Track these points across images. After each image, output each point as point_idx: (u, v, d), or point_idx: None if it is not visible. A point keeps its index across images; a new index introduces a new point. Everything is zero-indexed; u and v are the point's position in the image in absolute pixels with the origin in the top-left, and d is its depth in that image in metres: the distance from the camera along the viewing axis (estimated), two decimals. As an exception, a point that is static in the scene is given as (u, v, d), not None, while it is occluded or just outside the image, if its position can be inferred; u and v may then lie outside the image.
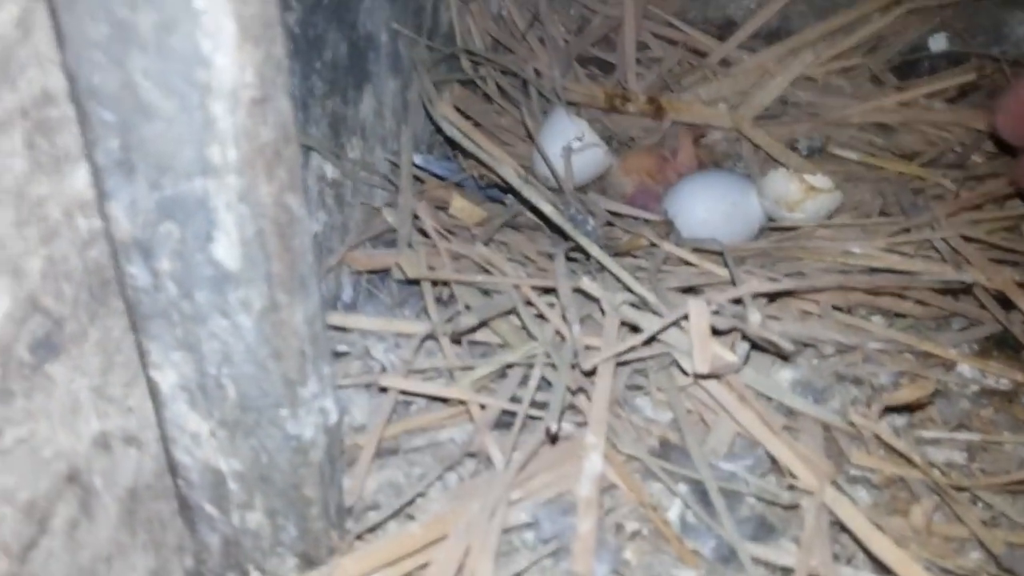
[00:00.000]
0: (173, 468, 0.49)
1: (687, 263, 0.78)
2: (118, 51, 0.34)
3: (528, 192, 0.71)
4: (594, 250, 0.68)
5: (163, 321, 0.42)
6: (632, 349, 0.62)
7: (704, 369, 0.58)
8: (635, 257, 0.86)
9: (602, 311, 0.66)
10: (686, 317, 0.62)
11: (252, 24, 0.34)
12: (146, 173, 0.37)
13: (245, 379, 0.43)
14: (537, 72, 1.10)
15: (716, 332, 0.61)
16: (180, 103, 0.35)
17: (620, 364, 0.65)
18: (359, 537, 0.53)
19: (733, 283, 0.71)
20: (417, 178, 0.88)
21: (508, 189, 0.75)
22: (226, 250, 0.39)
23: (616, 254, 0.85)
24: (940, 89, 1.08)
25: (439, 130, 0.88)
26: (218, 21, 0.33)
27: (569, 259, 0.78)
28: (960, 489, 0.59)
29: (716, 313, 0.62)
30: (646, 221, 0.94)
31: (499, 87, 1.11)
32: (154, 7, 0.33)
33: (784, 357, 0.68)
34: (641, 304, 0.66)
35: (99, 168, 0.38)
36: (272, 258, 0.39)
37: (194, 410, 0.45)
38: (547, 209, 0.70)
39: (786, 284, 0.73)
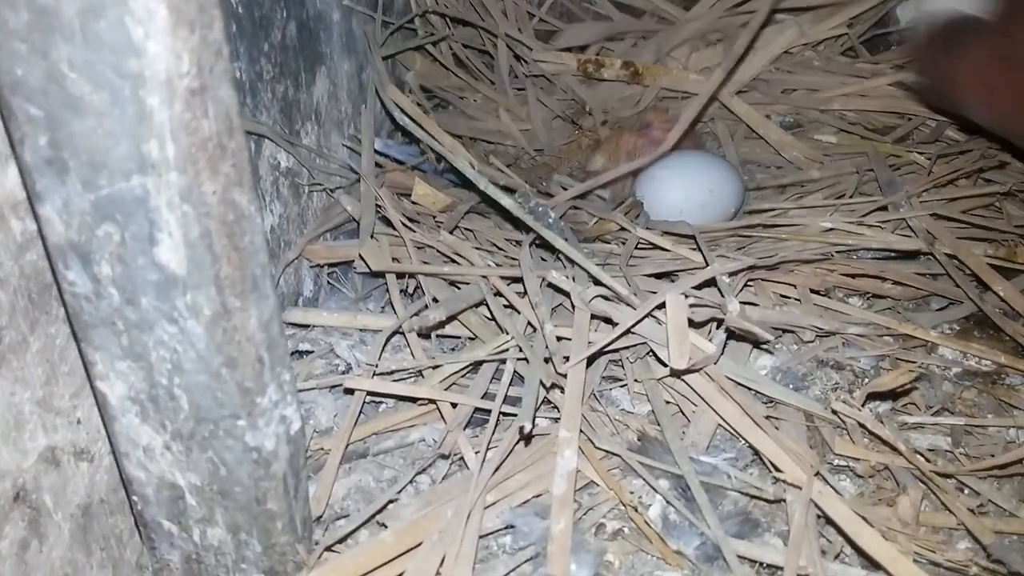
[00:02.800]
0: (127, 484, 0.46)
1: (659, 248, 0.76)
2: (41, 40, 0.31)
3: (485, 186, 0.69)
4: (559, 243, 0.66)
5: (107, 330, 0.39)
6: (607, 346, 0.60)
7: (682, 364, 0.56)
8: (606, 242, 0.83)
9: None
10: (660, 307, 0.60)
11: (186, 7, 0.31)
12: (79, 172, 0.34)
13: (198, 389, 0.40)
14: (502, 44, 1.07)
15: (693, 324, 0.59)
16: (111, 96, 0.32)
17: (595, 357, 0.63)
18: (329, 548, 0.51)
19: (705, 263, 0.69)
20: (378, 164, 0.85)
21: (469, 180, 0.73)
22: (170, 252, 0.36)
23: (585, 239, 0.83)
24: (910, 62, 1.06)
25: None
26: (148, 5, 0.30)
27: (538, 245, 0.76)
28: (946, 476, 0.57)
29: (693, 306, 0.60)
30: (615, 203, 0.91)
31: (456, 58, 1.08)
32: (78, -9, 0.30)
33: (763, 345, 0.66)
34: (613, 295, 0.63)
35: (28, 167, 0.35)
36: (220, 260, 0.36)
37: (145, 423, 0.43)
38: (506, 203, 0.68)
39: (757, 262, 0.71)
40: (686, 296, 0.59)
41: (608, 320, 0.62)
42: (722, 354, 0.61)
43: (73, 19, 0.31)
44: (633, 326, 0.60)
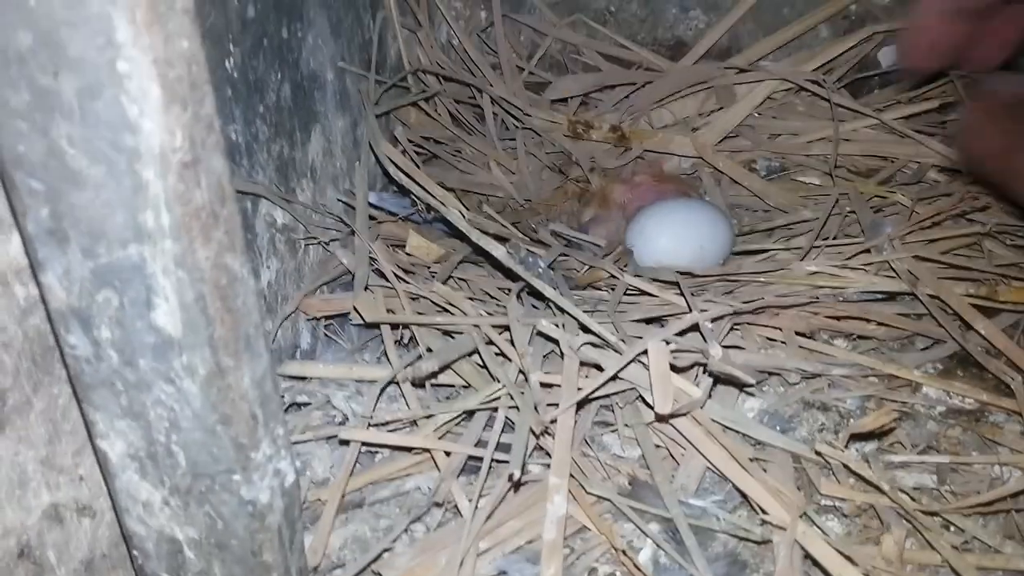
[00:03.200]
0: (127, 539, 0.47)
1: (647, 294, 0.78)
2: (41, 119, 0.33)
3: (476, 237, 0.71)
4: (548, 292, 0.67)
5: (107, 390, 0.41)
6: (592, 393, 0.61)
7: (666, 409, 0.57)
8: (597, 288, 0.85)
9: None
10: (645, 352, 0.61)
11: (178, 86, 0.33)
12: (79, 241, 0.36)
13: (195, 445, 0.42)
14: (494, 100, 1.10)
15: (678, 369, 0.60)
16: (108, 169, 0.34)
17: (587, 402, 0.65)
18: (324, 599, 0.52)
19: (689, 308, 0.70)
20: (372, 217, 0.86)
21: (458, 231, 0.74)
22: (166, 316, 0.38)
23: (576, 287, 0.85)
24: (892, 104, 1.09)
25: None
26: (142, 85, 0.32)
27: (530, 293, 0.78)
28: (931, 514, 0.58)
29: (676, 351, 0.61)
30: (603, 250, 0.93)
31: (451, 115, 1.10)
32: (76, 73, 0.32)
33: (748, 388, 0.67)
34: (602, 342, 0.65)
35: (30, 237, 0.37)
36: (214, 322, 0.38)
37: (145, 479, 0.44)
38: (498, 254, 0.69)
39: (740, 308, 0.73)
40: (668, 343, 0.61)
41: (597, 366, 0.64)
42: (709, 398, 0.62)
43: (72, 99, 0.33)
44: (618, 372, 0.61)
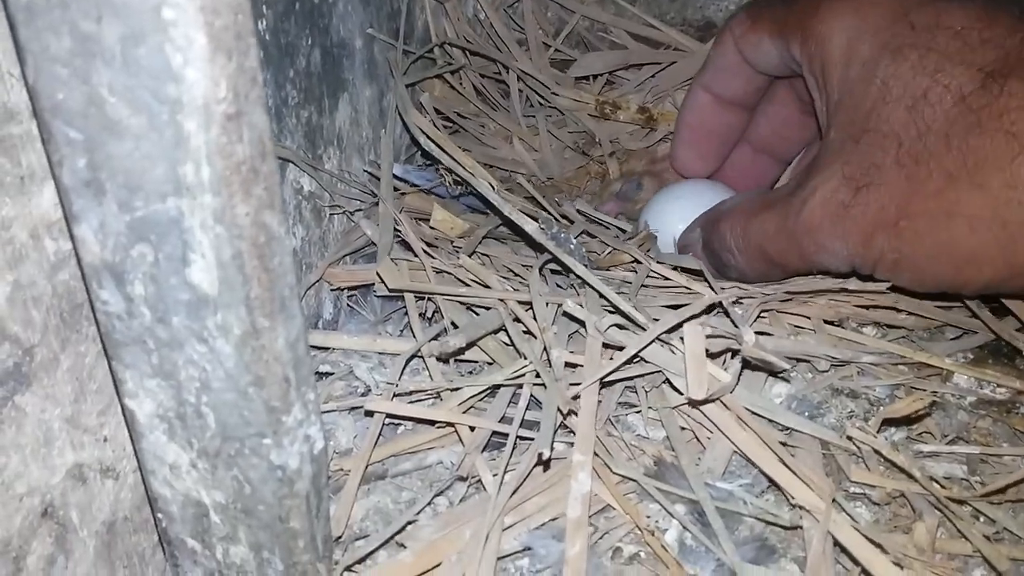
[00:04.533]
0: (152, 501, 0.47)
1: (668, 279, 0.77)
2: (82, 66, 0.33)
3: (508, 210, 0.70)
4: (580, 269, 0.67)
5: (138, 348, 0.40)
6: (616, 370, 0.60)
7: (700, 395, 0.56)
8: (613, 271, 0.84)
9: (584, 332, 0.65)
10: (670, 331, 0.61)
11: (224, 36, 0.32)
12: (116, 193, 0.35)
13: (226, 407, 0.41)
14: (519, 77, 1.09)
15: (709, 355, 0.59)
16: (149, 120, 0.33)
17: (611, 383, 0.64)
18: (348, 568, 0.51)
19: (719, 303, 0.69)
20: (396, 189, 0.86)
21: (488, 204, 0.74)
22: (202, 273, 0.37)
23: (597, 268, 0.84)
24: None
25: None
26: (188, 33, 0.31)
27: (553, 271, 0.77)
28: (960, 503, 0.58)
29: (710, 336, 0.60)
30: (627, 234, 0.92)
31: (476, 89, 1.10)
32: (120, 19, 0.31)
33: (778, 374, 0.67)
34: (629, 324, 0.64)
35: (66, 189, 0.36)
36: (251, 281, 0.37)
37: (173, 440, 0.43)
38: (530, 228, 0.68)
39: (766, 296, 0.72)
40: (703, 327, 0.60)
41: (622, 348, 0.63)
42: (737, 383, 0.61)
43: (114, 45, 0.32)
44: (642, 349, 0.60)
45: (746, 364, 0.63)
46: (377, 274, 0.71)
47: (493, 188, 0.74)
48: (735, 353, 0.63)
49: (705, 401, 0.59)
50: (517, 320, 0.67)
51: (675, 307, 0.73)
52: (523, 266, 0.78)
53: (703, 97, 0.88)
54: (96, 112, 0.34)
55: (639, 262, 0.79)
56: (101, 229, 0.37)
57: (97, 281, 0.38)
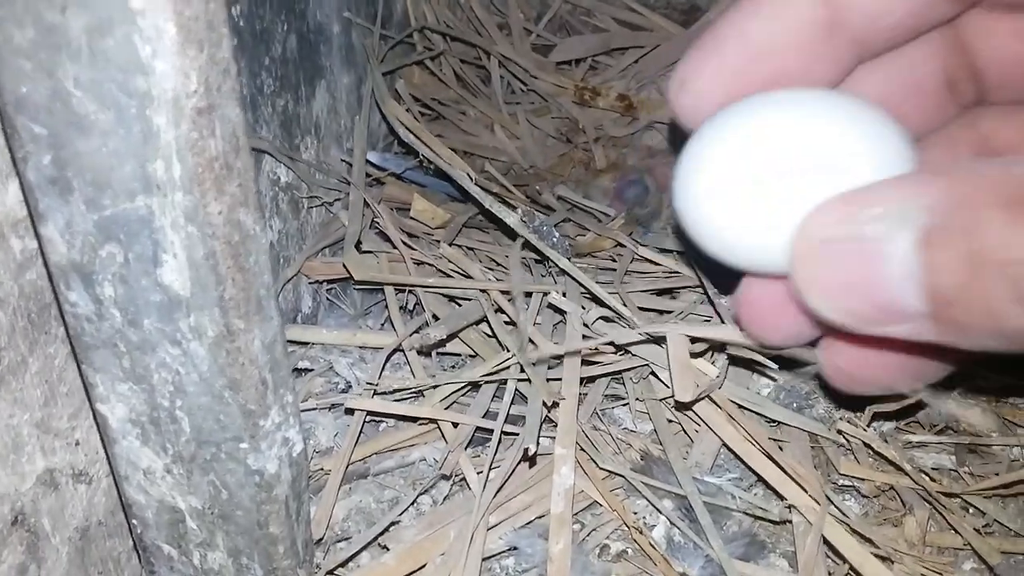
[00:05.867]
0: (126, 507, 0.45)
1: (653, 263, 0.76)
2: (47, 58, 0.31)
3: (489, 203, 0.68)
4: (563, 263, 0.65)
5: (108, 351, 0.39)
6: (599, 365, 0.59)
7: (687, 398, 0.55)
8: (595, 257, 0.83)
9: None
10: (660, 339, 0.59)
11: (195, 25, 0.31)
12: (83, 191, 0.34)
13: (201, 411, 0.40)
14: (500, 63, 1.07)
15: (694, 354, 0.58)
16: (117, 115, 0.32)
17: (596, 376, 0.63)
18: (330, 572, 0.50)
19: (701, 284, 0.68)
20: (376, 179, 0.84)
21: (466, 193, 0.72)
22: (174, 273, 0.35)
23: (578, 254, 0.83)
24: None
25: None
26: (157, 23, 0.30)
27: (536, 261, 0.75)
28: (951, 496, 0.57)
29: (695, 339, 0.59)
30: (610, 218, 0.91)
31: (456, 74, 1.08)
32: (86, 8, 0.30)
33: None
34: (614, 316, 0.63)
35: (31, 186, 0.34)
36: (225, 281, 0.36)
37: (146, 445, 0.42)
38: (511, 221, 0.67)
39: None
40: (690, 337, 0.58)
41: (610, 343, 0.62)
42: (724, 378, 0.60)
43: (80, 36, 0.30)
44: (627, 346, 0.59)
45: (732, 359, 0.62)
46: (343, 266, 0.69)
47: (471, 179, 0.72)
48: (722, 348, 0.62)
49: (692, 403, 0.58)
50: (499, 311, 0.66)
51: (663, 292, 0.72)
52: (506, 256, 0.77)
53: None
54: (61, 107, 0.32)
55: (623, 246, 0.78)
56: (68, 228, 0.35)
57: (65, 282, 0.37)
